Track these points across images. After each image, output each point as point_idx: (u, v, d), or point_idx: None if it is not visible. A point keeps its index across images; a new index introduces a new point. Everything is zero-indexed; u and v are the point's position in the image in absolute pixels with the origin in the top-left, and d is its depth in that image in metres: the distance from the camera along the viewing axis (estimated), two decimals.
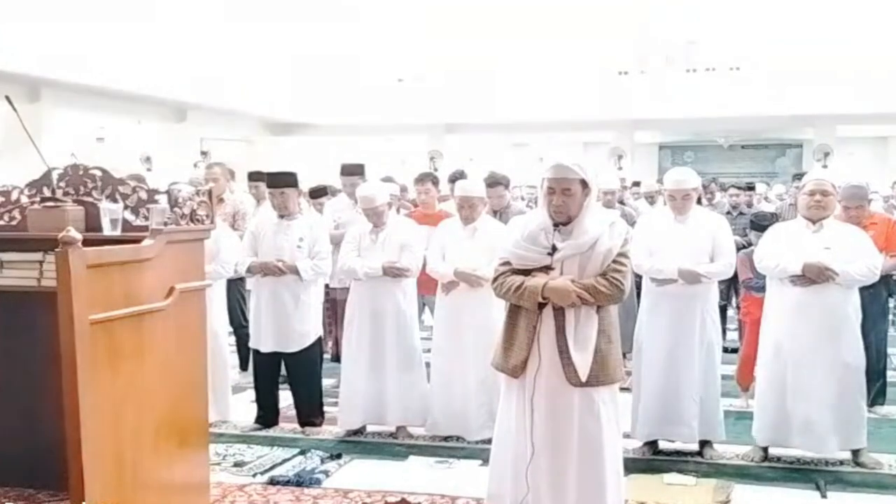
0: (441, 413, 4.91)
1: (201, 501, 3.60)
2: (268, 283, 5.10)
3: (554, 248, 3.12)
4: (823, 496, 4.07)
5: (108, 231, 3.36)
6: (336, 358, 5.91)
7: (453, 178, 6.72)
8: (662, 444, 4.67)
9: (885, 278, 5.12)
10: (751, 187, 8.10)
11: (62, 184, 3.55)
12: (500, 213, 5.79)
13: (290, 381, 5.25)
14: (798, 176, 9.70)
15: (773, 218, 6.22)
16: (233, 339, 6.38)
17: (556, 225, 3.13)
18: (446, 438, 4.91)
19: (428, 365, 5.07)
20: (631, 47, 12.75)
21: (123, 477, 3.01)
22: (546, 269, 3.13)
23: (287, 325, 5.08)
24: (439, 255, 4.91)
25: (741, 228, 6.70)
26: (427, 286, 5.36)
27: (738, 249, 5.20)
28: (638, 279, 4.77)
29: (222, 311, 5.36)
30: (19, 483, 3.76)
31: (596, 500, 3.10)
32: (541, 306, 3.11)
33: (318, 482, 4.25)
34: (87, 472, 2.75)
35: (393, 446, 4.88)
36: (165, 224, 3.25)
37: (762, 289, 4.88)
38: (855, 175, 5.97)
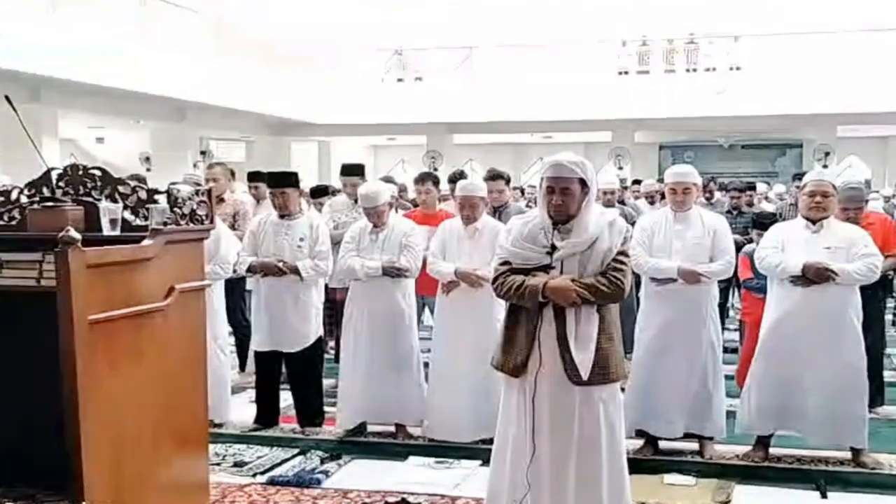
0: (438, 416, 4.87)
1: (201, 501, 3.59)
2: (268, 283, 5.09)
3: (553, 248, 3.13)
4: (823, 496, 4.07)
5: (107, 231, 3.34)
6: (339, 358, 5.89)
7: (452, 179, 6.71)
8: (662, 444, 4.67)
9: (881, 278, 5.10)
10: (751, 186, 8.10)
11: (62, 184, 3.53)
12: (500, 213, 5.77)
13: (291, 381, 5.24)
14: (798, 176, 9.69)
15: (774, 218, 6.23)
16: (233, 339, 6.38)
17: (555, 224, 3.13)
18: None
19: (427, 365, 5.06)
20: (631, 47, 12.81)
21: (123, 477, 3.00)
22: (546, 268, 3.13)
23: (287, 325, 5.07)
24: (440, 256, 4.91)
25: (741, 228, 6.70)
26: (427, 286, 5.35)
27: (738, 249, 5.20)
28: (637, 278, 4.76)
29: (222, 311, 5.35)
30: (19, 483, 3.75)
31: (594, 499, 3.10)
32: (541, 306, 3.11)
33: (318, 482, 4.25)
34: (87, 472, 2.75)
35: (392, 446, 4.87)
36: (165, 224, 3.24)
37: (762, 289, 4.88)
38: (854, 175, 5.96)
